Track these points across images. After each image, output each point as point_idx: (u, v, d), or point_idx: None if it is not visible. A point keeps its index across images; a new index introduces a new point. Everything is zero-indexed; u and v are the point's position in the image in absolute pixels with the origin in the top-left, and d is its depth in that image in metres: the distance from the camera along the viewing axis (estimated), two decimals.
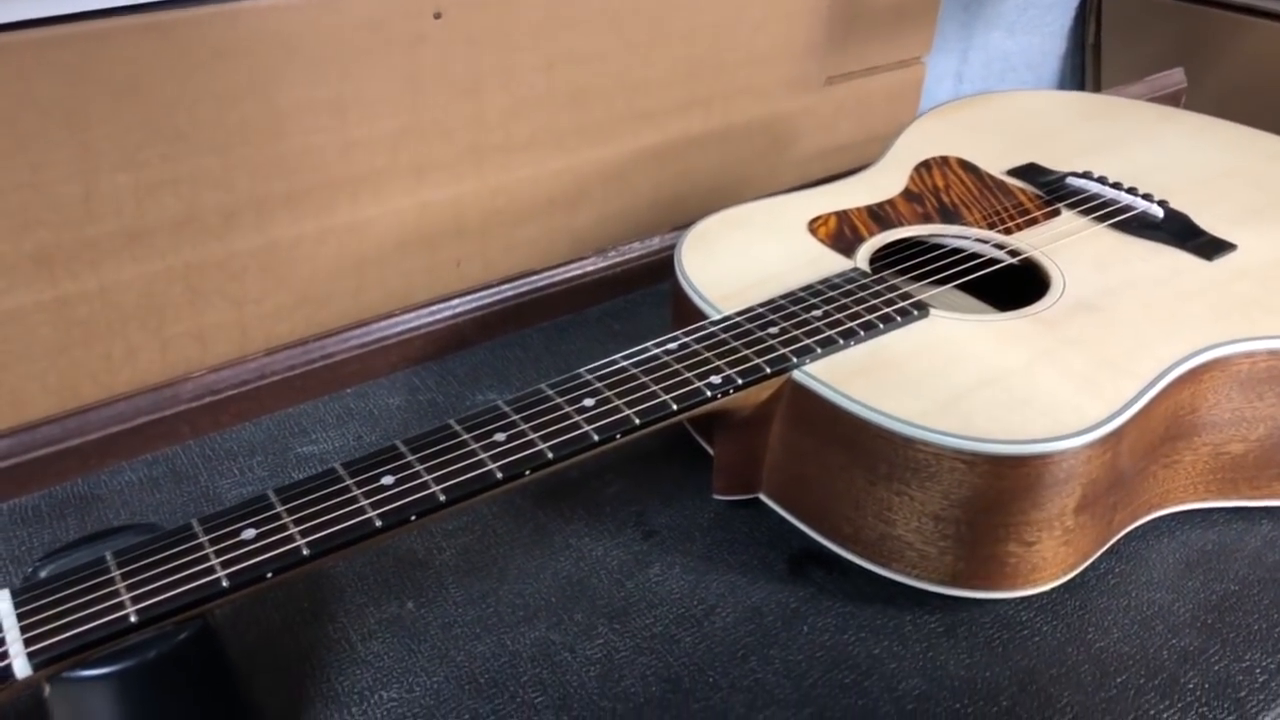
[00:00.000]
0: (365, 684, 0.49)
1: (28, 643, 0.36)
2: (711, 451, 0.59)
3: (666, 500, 0.60)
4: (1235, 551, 0.57)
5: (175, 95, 0.61)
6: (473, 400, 0.69)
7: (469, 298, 0.76)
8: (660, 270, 0.82)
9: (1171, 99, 1.10)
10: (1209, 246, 0.62)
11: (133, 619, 0.38)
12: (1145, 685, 0.49)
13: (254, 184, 0.67)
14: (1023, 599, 0.53)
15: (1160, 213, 0.65)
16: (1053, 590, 0.53)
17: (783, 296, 0.57)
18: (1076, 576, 0.53)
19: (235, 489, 0.61)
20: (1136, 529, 0.57)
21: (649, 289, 0.82)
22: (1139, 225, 0.65)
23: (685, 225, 0.65)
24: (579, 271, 0.80)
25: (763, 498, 0.57)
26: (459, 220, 0.78)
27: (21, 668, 0.36)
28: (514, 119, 0.77)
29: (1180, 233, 0.63)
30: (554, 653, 0.51)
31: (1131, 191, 0.68)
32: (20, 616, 0.37)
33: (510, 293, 0.78)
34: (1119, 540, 0.56)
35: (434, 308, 0.75)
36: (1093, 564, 0.54)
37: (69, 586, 0.39)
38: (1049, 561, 0.50)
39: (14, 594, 0.38)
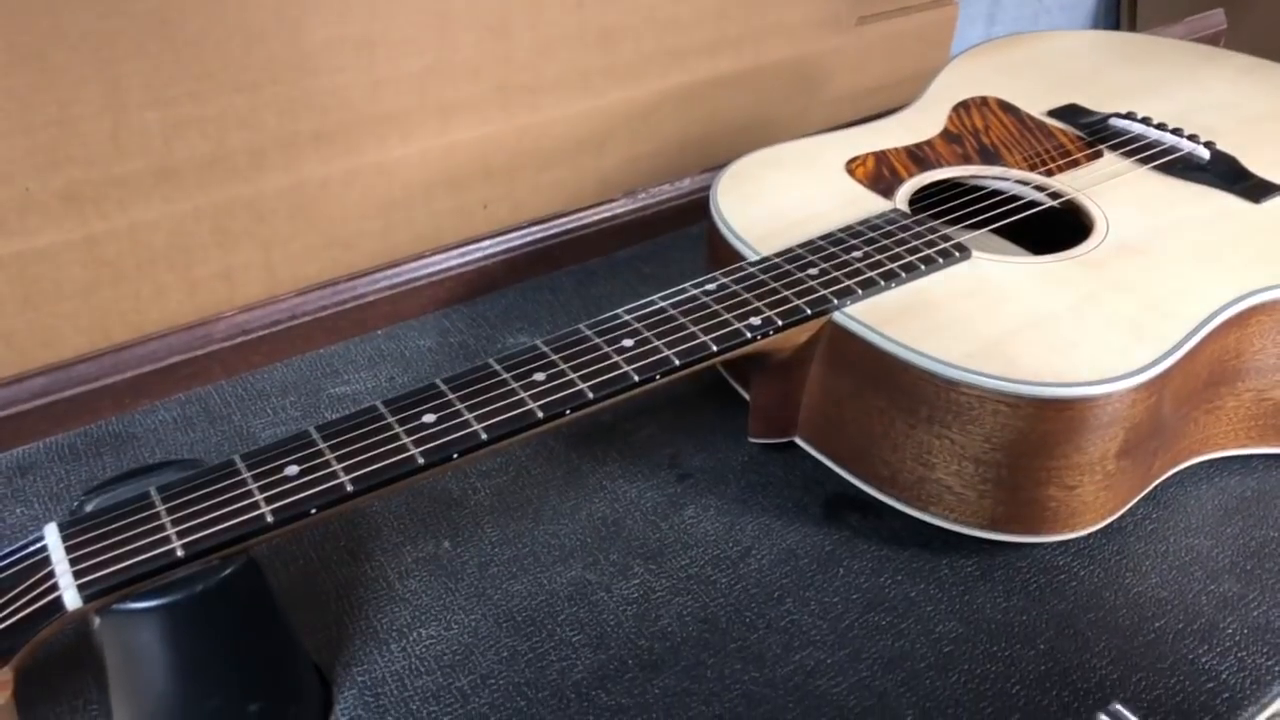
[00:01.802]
0: (404, 621, 0.50)
1: (77, 575, 0.37)
2: (746, 395, 0.58)
3: (700, 443, 0.60)
4: (1275, 498, 0.56)
5: (203, 31, 0.60)
6: (504, 343, 0.69)
7: (497, 240, 0.75)
8: (690, 213, 0.81)
9: (1210, 41, 1.07)
10: (1257, 189, 0.61)
11: (179, 553, 0.38)
12: (1184, 630, 0.49)
13: (281, 123, 0.66)
14: (1060, 543, 0.53)
15: (1206, 154, 0.64)
16: (1090, 535, 0.53)
17: (822, 237, 0.56)
18: (1114, 522, 0.53)
19: (269, 429, 0.61)
20: (1175, 474, 0.56)
21: (679, 231, 0.81)
22: (1184, 167, 0.63)
23: (714, 167, 0.64)
24: (608, 214, 0.79)
25: (798, 441, 0.56)
26: (486, 161, 0.77)
27: (72, 600, 0.36)
28: (542, 58, 0.75)
29: (1227, 175, 0.62)
30: (590, 592, 0.51)
31: (1176, 133, 0.66)
32: (69, 549, 0.37)
33: (539, 235, 0.77)
34: (1157, 485, 0.55)
35: (462, 250, 0.74)
36: (1130, 509, 0.54)
37: (115, 520, 0.39)
38: (1089, 506, 0.50)
39: (61, 527, 0.38)
